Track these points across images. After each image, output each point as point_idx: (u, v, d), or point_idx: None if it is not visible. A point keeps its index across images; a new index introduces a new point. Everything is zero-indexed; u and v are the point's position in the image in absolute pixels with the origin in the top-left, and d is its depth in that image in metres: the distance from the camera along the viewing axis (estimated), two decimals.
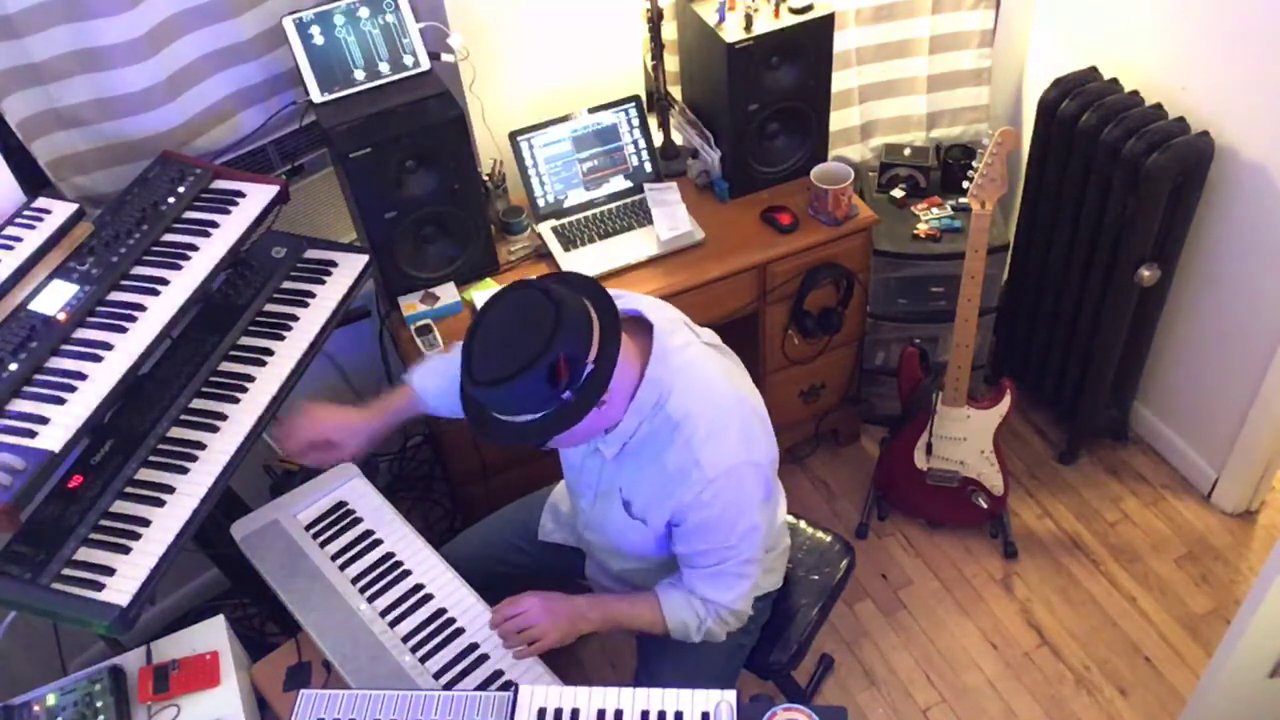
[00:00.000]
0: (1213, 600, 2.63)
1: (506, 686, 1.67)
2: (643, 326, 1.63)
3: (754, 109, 2.43)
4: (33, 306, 1.76)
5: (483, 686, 1.68)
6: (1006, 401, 2.53)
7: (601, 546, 1.87)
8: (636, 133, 2.54)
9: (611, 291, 1.59)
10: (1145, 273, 2.51)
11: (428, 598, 1.80)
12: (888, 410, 2.98)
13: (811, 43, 2.39)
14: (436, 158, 2.15)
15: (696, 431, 1.58)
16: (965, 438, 2.59)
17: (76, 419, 1.63)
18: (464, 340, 1.50)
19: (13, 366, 1.67)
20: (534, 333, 1.43)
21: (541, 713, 1.48)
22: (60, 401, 1.65)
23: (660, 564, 1.81)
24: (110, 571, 1.59)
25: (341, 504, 1.96)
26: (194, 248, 1.92)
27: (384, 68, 2.18)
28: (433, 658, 1.72)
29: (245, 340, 1.98)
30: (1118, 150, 2.39)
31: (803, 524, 2.20)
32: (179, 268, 1.88)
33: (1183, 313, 2.68)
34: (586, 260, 2.39)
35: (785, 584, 2.07)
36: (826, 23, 2.37)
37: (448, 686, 1.68)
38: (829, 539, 2.17)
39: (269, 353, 1.96)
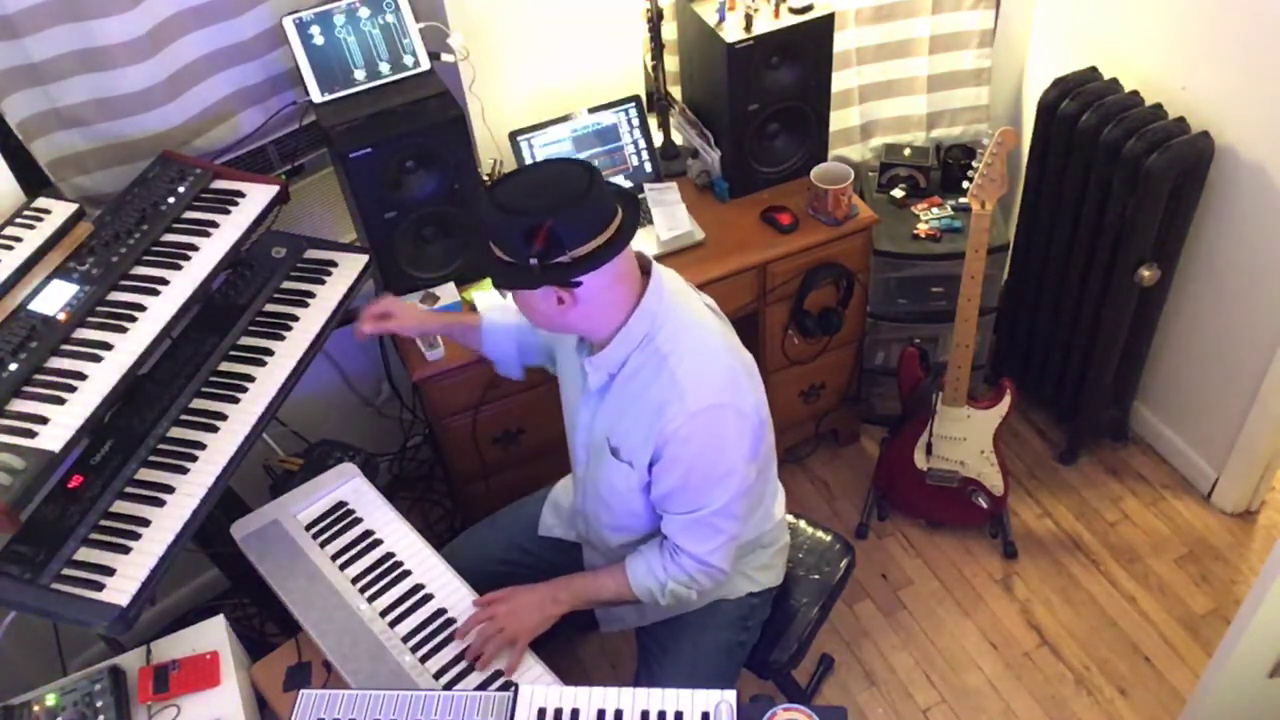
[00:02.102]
0: (1213, 600, 2.63)
1: (506, 686, 1.67)
2: (646, 264, 1.69)
3: (754, 109, 2.43)
4: (33, 306, 1.76)
5: (483, 686, 1.68)
6: (1006, 401, 2.53)
7: (598, 516, 1.87)
8: (636, 133, 2.54)
9: None
10: (1145, 273, 2.51)
11: (428, 598, 1.80)
12: (888, 410, 2.98)
13: (811, 43, 2.39)
14: (436, 158, 2.15)
15: (683, 363, 1.62)
16: (965, 438, 2.59)
17: (76, 419, 1.63)
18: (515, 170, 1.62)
19: (13, 366, 1.66)
20: (551, 195, 1.52)
21: (541, 713, 1.48)
22: (60, 401, 1.64)
23: (649, 535, 1.82)
24: (110, 571, 1.59)
25: (341, 504, 1.96)
26: (194, 248, 1.92)
27: (384, 68, 2.18)
28: (433, 658, 1.72)
29: (245, 340, 1.97)
30: (1118, 150, 2.39)
31: (803, 524, 2.20)
32: (179, 268, 1.88)
33: (1183, 313, 2.68)
34: None
35: (785, 583, 2.07)
36: (826, 23, 2.37)
37: (448, 686, 1.68)
38: (829, 539, 2.18)
39: (269, 353, 1.96)
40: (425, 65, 2.20)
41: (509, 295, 1.67)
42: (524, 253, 1.51)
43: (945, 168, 2.76)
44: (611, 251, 1.55)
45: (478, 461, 2.47)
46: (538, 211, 1.50)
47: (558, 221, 1.49)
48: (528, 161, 2.45)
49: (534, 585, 1.80)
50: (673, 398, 1.60)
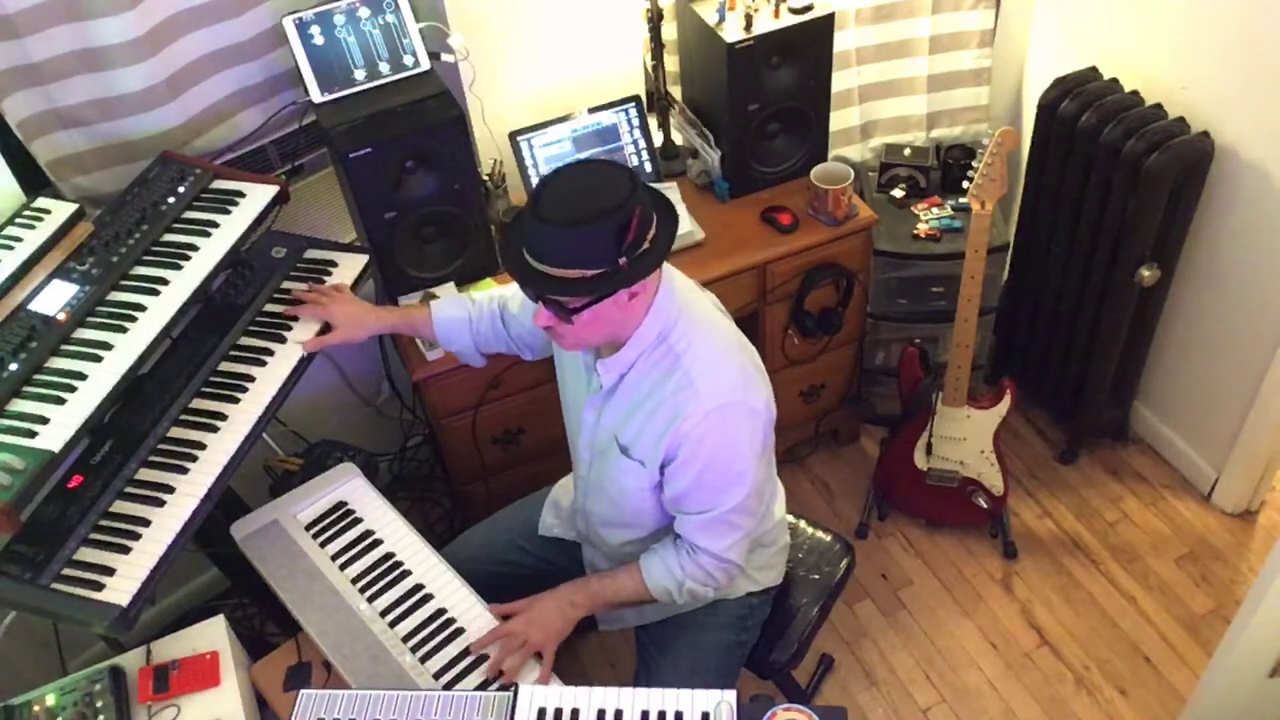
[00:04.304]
0: (1213, 600, 2.63)
1: (506, 686, 1.67)
2: None
3: (754, 109, 2.43)
4: (33, 306, 1.76)
5: (483, 686, 1.68)
6: (1006, 401, 2.53)
7: (601, 515, 1.87)
8: (636, 133, 2.54)
9: None
10: (1145, 273, 2.51)
11: (428, 598, 1.80)
12: (888, 410, 2.98)
13: (811, 43, 2.39)
14: (436, 158, 2.15)
15: (697, 362, 1.61)
16: (965, 438, 2.59)
17: (76, 419, 1.63)
18: (536, 186, 1.55)
19: (13, 366, 1.66)
20: (612, 191, 1.49)
21: (541, 713, 1.48)
22: (60, 401, 1.64)
23: (655, 534, 1.82)
24: (110, 571, 1.59)
25: (341, 504, 1.96)
26: (194, 248, 1.92)
27: (384, 68, 2.18)
28: (433, 658, 1.72)
29: (245, 340, 1.97)
30: (1118, 150, 2.39)
31: (803, 524, 2.20)
32: (179, 268, 1.87)
33: (1183, 313, 2.68)
34: None
35: (785, 583, 2.07)
36: (826, 23, 2.37)
37: (448, 686, 1.68)
38: (829, 539, 2.18)
39: (269, 353, 1.96)
40: (425, 65, 2.20)
41: (551, 323, 1.58)
42: (615, 254, 1.48)
43: (945, 168, 2.76)
44: (672, 224, 1.56)
45: (478, 461, 2.47)
46: (619, 207, 1.47)
47: (640, 207, 1.49)
48: (527, 161, 2.45)
49: (549, 592, 1.79)
50: (688, 397, 1.60)
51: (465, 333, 1.99)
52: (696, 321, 1.66)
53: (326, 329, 1.99)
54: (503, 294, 2.00)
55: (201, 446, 1.79)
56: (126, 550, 1.62)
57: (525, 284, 1.55)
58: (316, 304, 2.00)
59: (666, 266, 1.67)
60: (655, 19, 2.46)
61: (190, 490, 1.72)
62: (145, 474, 1.74)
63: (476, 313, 1.99)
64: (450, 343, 2.02)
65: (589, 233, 1.47)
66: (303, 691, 1.54)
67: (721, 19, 2.36)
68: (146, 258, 1.89)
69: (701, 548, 1.73)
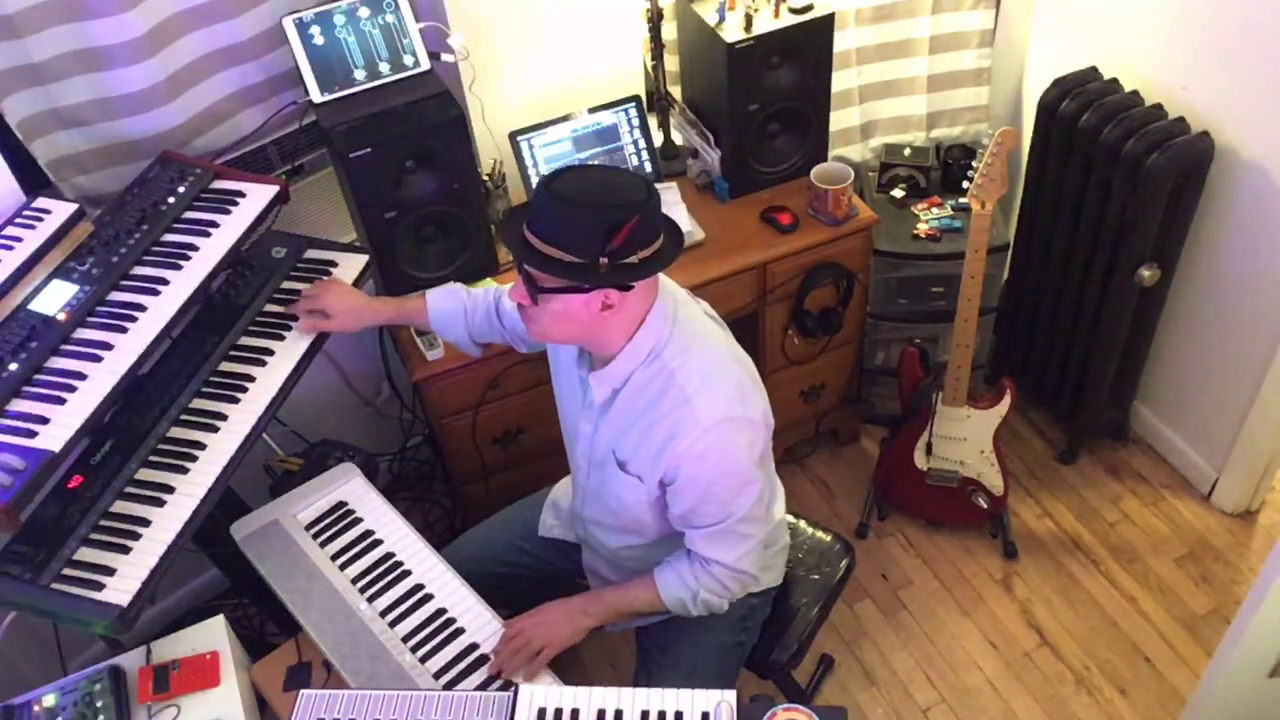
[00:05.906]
0: (1213, 600, 2.63)
1: (506, 686, 1.67)
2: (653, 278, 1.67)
3: (754, 109, 2.43)
4: (33, 306, 1.76)
5: (483, 686, 1.68)
6: (1006, 401, 2.53)
7: (599, 521, 1.87)
8: (636, 133, 2.54)
9: None
10: (1145, 273, 2.51)
11: (428, 598, 1.80)
12: (888, 410, 2.98)
13: (811, 43, 2.39)
14: (436, 158, 2.15)
15: (692, 379, 1.61)
16: (965, 438, 2.59)
17: (76, 419, 1.63)
18: (562, 167, 1.59)
19: (13, 366, 1.66)
20: (625, 194, 1.52)
21: (541, 713, 1.49)
22: (60, 401, 1.64)
23: (655, 541, 1.82)
24: (110, 571, 1.59)
25: (341, 504, 1.97)
26: (194, 248, 1.92)
27: (384, 68, 2.18)
28: (433, 658, 1.72)
29: (245, 340, 1.97)
30: (1118, 150, 2.39)
31: (803, 524, 2.20)
32: (179, 268, 1.87)
33: (1183, 313, 2.68)
34: None
35: (785, 583, 2.07)
36: (826, 23, 2.37)
37: (448, 686, 1.68)
38: (829, 539, 2.18)
39: (269, 353, 1.96)
40: (425, 65, 2.20)
41: (523, 300, 1.60)
42: (597, 249, 1.48)
43: (945, 168, 2.76)
44: (669, 257, 1.56)
45: (478, 461, 2.47)
46: (621, 207, 1.48)
47: (641, 219, 1.49)
48: (527, 161, 2.45)
49: (565, 599, 1.79)
50: (684, 415, 1.59)
51: (460, 323, 2.01)
52: (690, 335, 1.65)
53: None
54: (499, 288, 2.02)
55: (201, 446, 1.79)
56: (126, 550, 1.62)
57: (511, 247, 1.56)
58: (311, 298, 2.01)
59: (661, 277, 1.67)
60: (655, 19, 2.46)
61: (190, 490, 1.72)
62: (145, 474, 1.74)
63: (471, 304, 2.01)
64: (445, 332, 2.04)
65: (582, 216, 1.48)
66: (303, 691, 1.54)
67: (721, 19, 2.36)
68: (146, 258, 1.89)
69: (714, 560, 1.72)
